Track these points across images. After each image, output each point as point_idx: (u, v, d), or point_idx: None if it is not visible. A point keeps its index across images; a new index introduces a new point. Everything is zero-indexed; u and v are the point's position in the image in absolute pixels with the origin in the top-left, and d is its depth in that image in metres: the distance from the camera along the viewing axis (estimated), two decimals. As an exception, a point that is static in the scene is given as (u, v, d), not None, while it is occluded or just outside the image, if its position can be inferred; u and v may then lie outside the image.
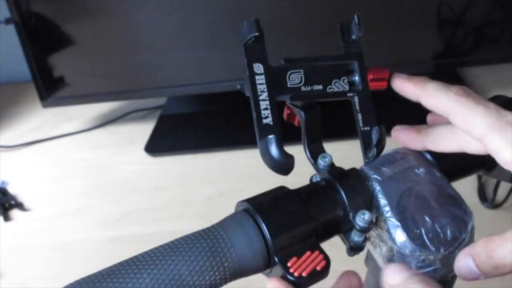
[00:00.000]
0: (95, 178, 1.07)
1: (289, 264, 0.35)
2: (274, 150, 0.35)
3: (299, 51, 1.04)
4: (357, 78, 0.41)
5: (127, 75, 1.11)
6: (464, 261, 0.38)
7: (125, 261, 0.34)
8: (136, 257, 0.34)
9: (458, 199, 0.42)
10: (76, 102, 1.16)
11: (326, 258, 0.36)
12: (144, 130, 1.18)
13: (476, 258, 0.38)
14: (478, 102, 0.37)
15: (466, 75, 1.21)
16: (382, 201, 0.40)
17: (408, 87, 0.41)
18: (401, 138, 0.43)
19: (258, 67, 0.37)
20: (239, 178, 1.00)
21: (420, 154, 0.44)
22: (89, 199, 1.01)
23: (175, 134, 1.15)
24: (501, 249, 0.36)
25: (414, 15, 1.02)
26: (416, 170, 0.42)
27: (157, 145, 1.12)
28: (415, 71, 1.07)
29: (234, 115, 1.15)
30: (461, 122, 0.38)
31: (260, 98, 0.37)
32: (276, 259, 0.36)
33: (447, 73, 1.20)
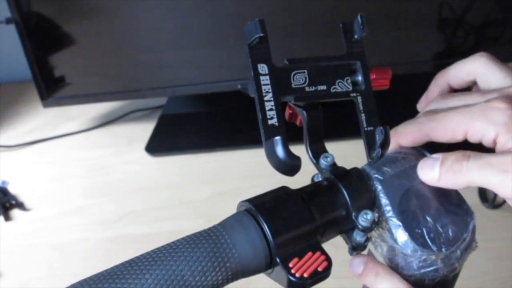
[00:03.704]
0: (96, 178, 1.07)
1: (290, 265, 0.35)
2: (280, 152, 0.35)
3: (300, 50, 1.04)
4: (360, 78, 0.41)
5: (127, 75, 1.11)
6: (431, 161, 0.41)
7: (127, 262, 0.34)
8: (138, 257, 0.34)
9: (459, 198, 0.42)
10: (76, 102, 1.16)
11: (328, 259, 0.36)
12: (144, 130, 1.18)
13: (443, 167, 0.39)
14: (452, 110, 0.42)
15: (466, 75, 1.20)
16: (384, 200, 0.40)
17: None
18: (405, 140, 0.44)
19: (263, 68, 0.37)
20: (239, 178, 1.00)
21: (421, 154, 0.44)
22: (90, 199, 1.01)
23: (176, 134, 1.15)
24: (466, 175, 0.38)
25: (414, 15, 1.02)
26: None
27: (157, 145, 1.12)
28: (416, 71, 1.08)
29: (235, 115, 1.15)
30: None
31: (265, 99, 0.36)
32: (278, 260, 0.36)
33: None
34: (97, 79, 1.12)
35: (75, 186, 1.05)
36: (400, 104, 0.87)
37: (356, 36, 0.41)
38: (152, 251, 0.35)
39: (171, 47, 1.07)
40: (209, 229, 0.36)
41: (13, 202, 1.01)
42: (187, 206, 0.96)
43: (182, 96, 1.25)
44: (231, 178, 1.01)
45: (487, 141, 0.39)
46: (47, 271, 0.87)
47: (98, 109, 1.27)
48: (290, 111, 0.43)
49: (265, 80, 0.37)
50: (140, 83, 1.11)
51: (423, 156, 0.43)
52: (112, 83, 1.12)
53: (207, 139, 1.12)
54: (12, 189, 1.05)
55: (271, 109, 0.36)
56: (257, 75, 0.37)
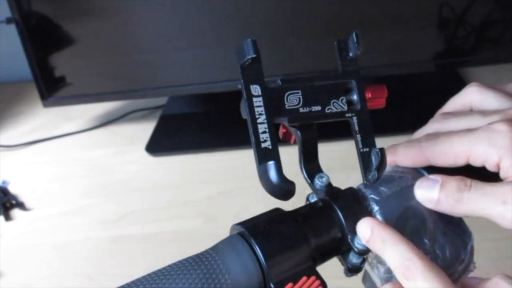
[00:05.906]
0: (96, 177, 1.07)
1: None
2: (273, 176, 0.35)
3: (300, 50, 1.03)
4: (355, 97, 0.40)
5: (128, 74, 1.11)
6: (430, 183, 0.40)
7: (120, 287, 0.34)
8: (128, 284, 0.34)
9: (457, 219, 0.42)
10: (77, 102, 1.15)
11: (323, 284, 0.36)
12: (145, 129, 1.18)
13: (443, 192, 0.39)
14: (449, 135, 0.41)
15: (466, 75, 1.20)
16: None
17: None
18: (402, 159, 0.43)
19: (256, 89, 0.36)
20: (239, 178, 1.00)
21: (418, 173, 0.43)
22: (90, 199, 1.01)
23: (176, 134, 1.15)
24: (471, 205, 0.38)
25: (415, 15, 1.01)
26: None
27: (158, 145, 1.12)
28: (416, 71, 1.08)
29: (235, 115, 1.14)
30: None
31: (258, 121, 0.36)
32: (272, 285, 0.35)
33: (448, 73, 1.20)
34: (97, 79, 1.12)
35: (76, 186, 1.05)
36: (400, 104, 0.87)
37: (351, 54, 0.40)
38: (143, 277, 0.35)
39: (171, 47, 1.07)
40: (202, 253, 0.36)
41: (14, 202, 1.01)
42: (187, 206, 0.96)
43: (182, 96, 1.24)
44: (231, 178, 1.01)
45: (490, 166, 0.39)
46: (47, 271, 0.87)
47: (99, 109, 1.27)
48: (284, 130, 0.42)
49: (258, 101, 0.36)
50: (141, 83, 1.11)
51: (420, 175, 0.43)
52: (112, 83, 1.12)
53: (207, 139, 1.12)
54: (12, 189, 1.05)
55: (264, 132, 0.36)
56: (249, 96, 0.36)
